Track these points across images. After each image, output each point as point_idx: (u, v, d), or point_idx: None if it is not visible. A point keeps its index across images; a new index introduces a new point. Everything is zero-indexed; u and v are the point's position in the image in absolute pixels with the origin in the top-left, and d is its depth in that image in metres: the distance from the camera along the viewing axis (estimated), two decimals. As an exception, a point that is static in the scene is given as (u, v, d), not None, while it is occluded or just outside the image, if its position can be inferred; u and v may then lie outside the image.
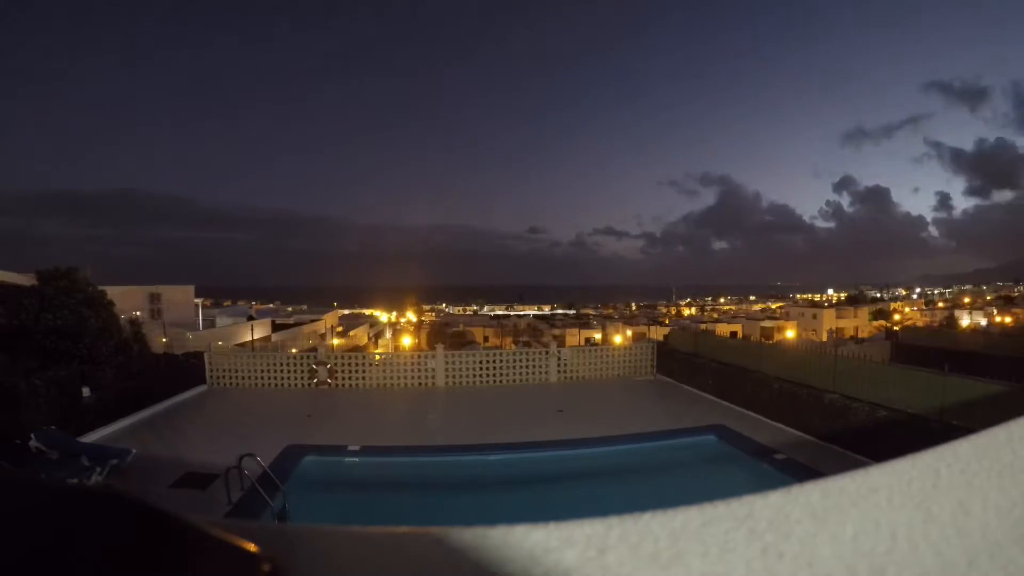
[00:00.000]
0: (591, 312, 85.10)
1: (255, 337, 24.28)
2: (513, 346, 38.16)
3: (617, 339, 41.69)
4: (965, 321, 56.45)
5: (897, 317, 60.80)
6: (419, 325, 57.75)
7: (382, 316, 71.23)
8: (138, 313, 20.63)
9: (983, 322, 55.31)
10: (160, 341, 18.84)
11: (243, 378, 13.65)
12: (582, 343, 41.40)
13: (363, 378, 13.92)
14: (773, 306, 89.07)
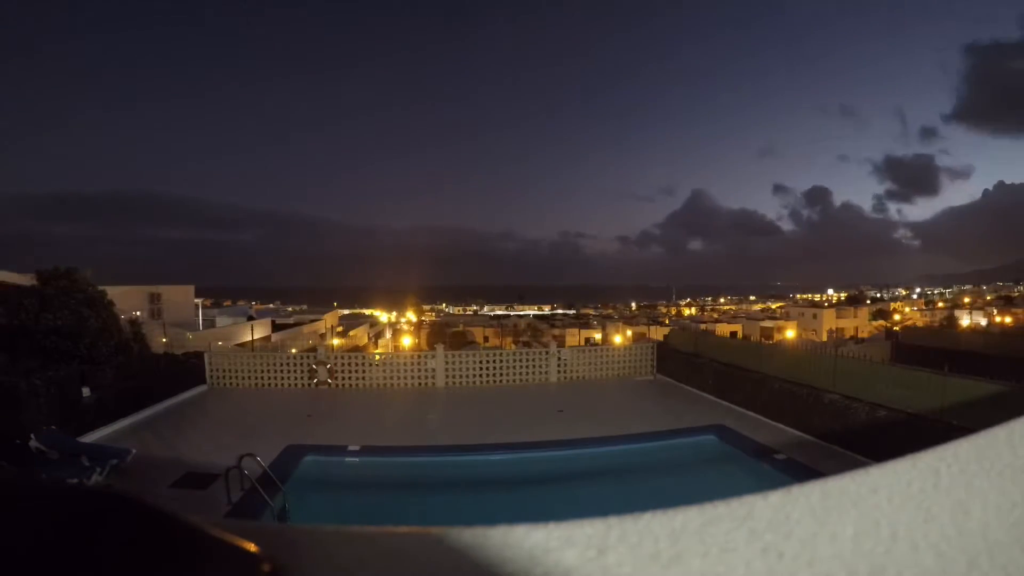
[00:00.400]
0: (591, 312, 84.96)
1: (255, 337, 24.28)
2: (513, 346, 38.17)
3: (617, 339, 41.67)
4: (965, 321, 56.44)
5: (897, 317, 60.76)
6: (419, 325, 57.69)
7: (382, 316, 71.28)
8: (138, 313, 20.64)
9: (983, 322, 55.35)
10: (160, 341, 18.83)
11: (243, 378, 13.64)
12: (582, 343, 41.40)
13: (363, 378, 13.91)
14: (773, 306, 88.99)
